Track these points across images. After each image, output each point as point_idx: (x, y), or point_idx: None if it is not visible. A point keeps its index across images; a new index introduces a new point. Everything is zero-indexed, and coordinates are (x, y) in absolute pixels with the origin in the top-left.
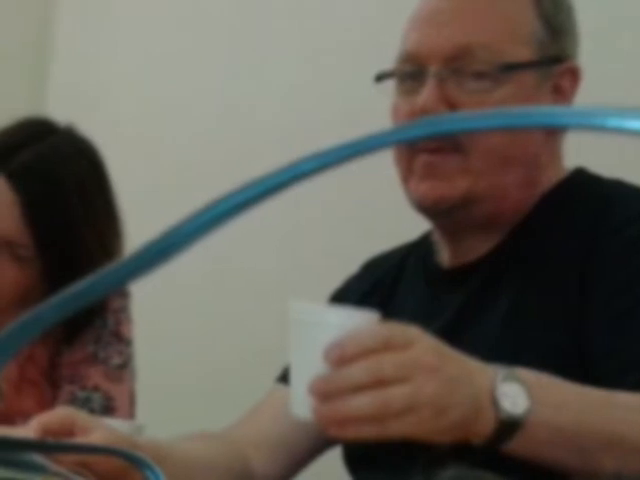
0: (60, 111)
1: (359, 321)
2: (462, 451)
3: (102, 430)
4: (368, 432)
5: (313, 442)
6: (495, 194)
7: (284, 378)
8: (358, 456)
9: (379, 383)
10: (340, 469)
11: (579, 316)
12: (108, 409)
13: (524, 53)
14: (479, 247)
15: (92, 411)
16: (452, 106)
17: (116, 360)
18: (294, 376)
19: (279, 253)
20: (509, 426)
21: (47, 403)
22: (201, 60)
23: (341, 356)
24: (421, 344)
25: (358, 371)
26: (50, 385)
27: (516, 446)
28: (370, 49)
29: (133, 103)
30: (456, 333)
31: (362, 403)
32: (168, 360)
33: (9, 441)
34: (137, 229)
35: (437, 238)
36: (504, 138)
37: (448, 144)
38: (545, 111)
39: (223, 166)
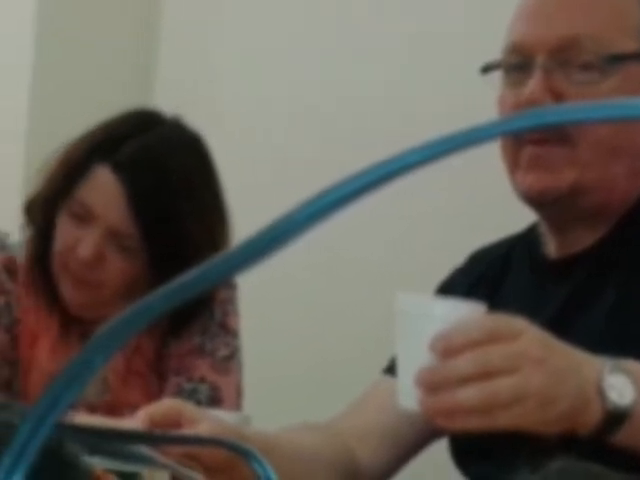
0: (167, 106)
1: (466, 313)
2: (568, 442)
3: (209, 422)
4: (475, 423)
5: (419, 434)
6: (602, 185)
7: (391, 369)
8: (465, 448)
9: (486, 375)
10: (447, 461)
11: None
12: (215, 400)
13: (631, 45)
14: (585, 239)
15: (199, 403)
16: (558, 97)
17: (223, 352)
18: (401, 367)
19: (387, 244)
20: (616, 417)
21: (154, 395)
22: (306, 54)
23: (448, 347)
24: (528, 335)
25: (465, 363)
26: (157, 377)
27: (622, 437)
28: (476, 40)
29: (239, 97)
30: (562, 325)
31: (469, 394)
32: (275, 351)
33: (116, 433)
34: (243, 221)
35: (544, 230)
36: (611, 129)
37: (554, 135)
38: None
39: (329, 159)
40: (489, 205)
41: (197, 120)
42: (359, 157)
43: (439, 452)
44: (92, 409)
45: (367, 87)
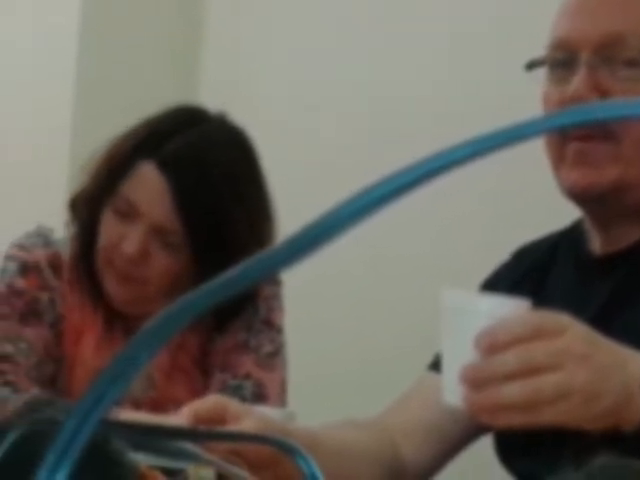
0: (211, 102)
1: (510, 309)
2: (613, 439)
3: (253, 418)
4: (519, 420)
5: (464, 430)
6: None
7: (435, 365)
8: (509, 444)
9: (530, 371)
10: (491, 458)
11: None
12: (259, 397)
13: None
14: (630, 235)
15: (243, 399)
16: (603, 94)
17: (267, 348)
18: (445, 364)
19: (433, 241)
20: None
21: (198, 391)
22: (352, 50)
23: (492, 344)
24: (572, 332)
25: (509, 359)
26: (201, 373)
27: None
28: (521, 36)
29: (283, 93)
30: (606, 321)
31: (513, 391)
32: (320, 348)
33: (161, 429)
34: (288, 217)
35: (588, 226)
36: None
37: (599, 132)
38: None
39: (374, 154)
40: (534, 201)
41: (241, 117)
42: (404, 154)
43: (483, 449)
44: (137, 405)
45: (413, 83)
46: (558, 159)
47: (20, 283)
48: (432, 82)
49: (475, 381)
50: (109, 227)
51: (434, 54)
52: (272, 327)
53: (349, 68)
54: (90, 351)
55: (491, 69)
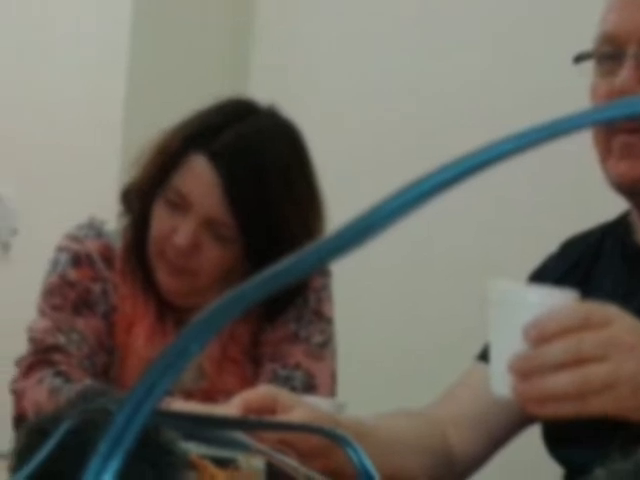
0: (262, 95)
1: (558, 300)
2: None
3: (304, 408)
4: (567, 410)
5: (512, 420)
6: None
7: (484, 356)
8: (557, 434)
9: (578, 361)
10: (539, 448)
11: None
12: (309, 387)
13: None
14: None
15: (293, 389)
16: None
17: (317, 338)
18: (493, 354)
19: (480, 232)
20: None
21: (249, 381)
22: (400, 41)
23: (540, 335)
24: (620, 323)
25: (557, 349)
26: (252, 363)
27: None
28: (568, 29)
29: (332, 85)
30: None
31: (561, 381)
32: (369, 338)
33: (211, 419)
34: (337, 209)
35: (634, 218)
36: None
37: None
38: None
39: (420, 148)
40: (581, 193)
41: (291, 109)
42: (451, 147)
43: (532, 438)
44: (188, 396)
45: (458, 77)
46: (605, 151)
47: (72, 274)
48: (480, 75)
49: (523, 371)
50: (161, 219)
51: (479, 45)
52: (322, 318)
53: (397, 60)
54: (142, 341)
55: (539, 61)
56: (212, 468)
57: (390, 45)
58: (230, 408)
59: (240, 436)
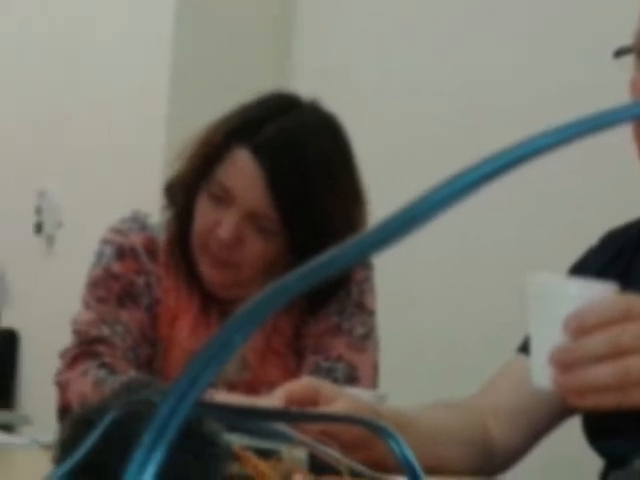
0: (304, 87)
1: (598, 292)
2: None
3: (346, 399)
4: (607, 401)
5: (553, 412)
6: None
7: (524, 348)
8: (597, 425)
9: (618, 353)
10: (579, 439)
11: None
12: (352, 379)
13: None
14: None
15: (336, 381)
16: None
17: (359, 330)
18: (534, 346)
19: (521, 225)
20: None
21: (291, 373)
22: (436, 39)
23: (581, 327)
24: None
25: (598, 341)
26: (294, 355)
27: None
28: (605, 23)
29: (375, 78)
30: None
31: (602, 373)
32: (410, 330)
33: (254, 411)
34: (379, 203)
35: None
36: None
37: None
38: None
39: (461, 141)
40: (622, 186)
41: (334, 103)
42: (493, 140)
43: (572, 430)
44: (231, 387)
45: (498, 70)
46: None
47: (117, 267)
48: (517, 68)
49: (564, 363)
50: (204, 212)
51: (518, 39)
52: (364, 310)
53: (437, 55)
54: (185, 334)
55: (580, 55)
56: (255, 459)
57: (429, 40)
58: (273, 400)
59: (283, 427)
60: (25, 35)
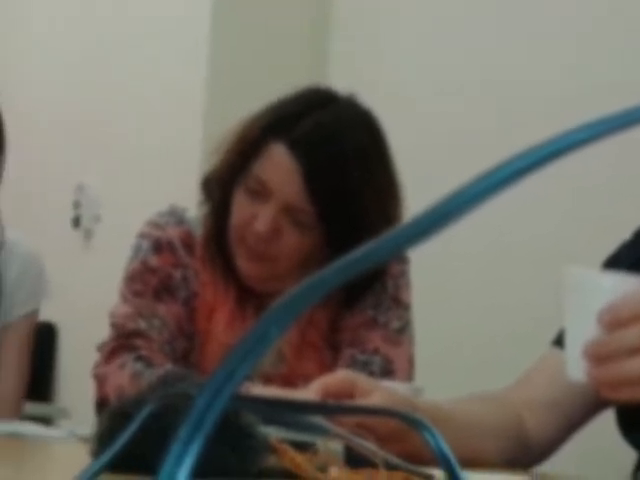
0: (340, 82)
1: (632, 286)
2: None
3: (381, 392)
4: None
5: (587, 405)
6: None
7: (559, 341)
8: (631, 418)
9: None
10: (613, 432)
11: None
12: (387, 372)
13: None
14: None
15: (372, 374)
16: None
17: (395, 324)
18: (569, 339)
19: (554, 220)
20: None
21: (327, 366)
22: (479, 32)
23: (615, 320)
24: None
25: (632, 334)
26: (330, 348)
27: None
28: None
29: (410, 74)
30: None
31: (636, 366)
32: (446, 324)
33: (291, 403)
34: (415, 197)
35: None
36: None
37: None
38: None
39: (499, 136)
40: None
41: (369, 98)
42: (527, 135)
43: (606, 423)
44: (267, 380)
45: (536, 67)
46: None
47: (154, 260)
48: (554, 64)
49: (598, 356)
50: (241, 206)
51: (560, 37)
52: (400, 304)
53: (474, 49)
54: (222, 327)
55: (619, 52)
56: (291, 452)
57: (466, 35)
58: (309, 393)
59: (319, 420)
60: (67, 34)
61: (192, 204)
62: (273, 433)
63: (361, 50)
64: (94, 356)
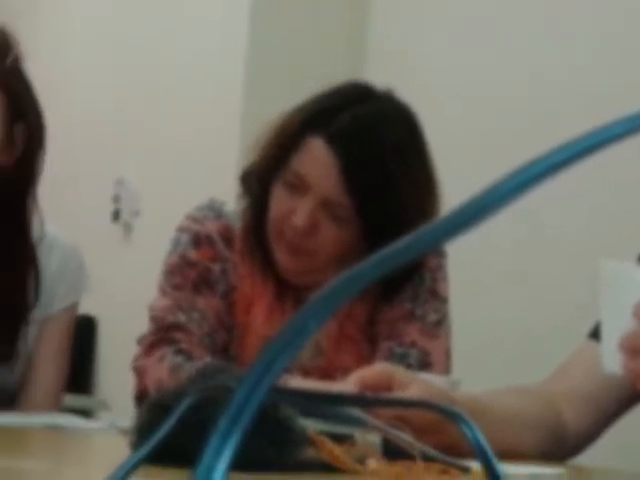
0: (378, 76)
1: None
2: None
3: (419, 385)
4: None
5: (623, 397)
6: None
7: (595, 334)
8: None
9: None
10: None
11: None
12: (425, 365)
13: None
14: None
15: (409, 366)
16: None
17: (432, 317)
18: (604, 332)
19: (590, 213)
20: None
21: (365, 359)
22: (513, 29)
23: None
24: None
25: None
26: (368, 341)
27: None
28: None
29: (448, 69)
30: None
31: None
32: (483, 317)
33: (329, 396)
34: (451, 191)
35: None
36: None
37: None
38: None
39: (534, 129)
40: None
41: (406, 93)
42: (562, 133)
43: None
44: (306, 373)
45: (570, 60)
46: None
47: (193, 254)
48: (588, 57)
49: (634, 349)
50: (279, 200)
51: (595, 33)
52: (437, 297)
53: (511, 43)
54: (261, 320)
55: None
56: (329, 444)
57: (504, 28)
58: (347, 385)
59: (357, 412)
60: (106, 34)
61: (230, 198)
62: (311, 425)
63: (398, 46)
64: (133, 349)
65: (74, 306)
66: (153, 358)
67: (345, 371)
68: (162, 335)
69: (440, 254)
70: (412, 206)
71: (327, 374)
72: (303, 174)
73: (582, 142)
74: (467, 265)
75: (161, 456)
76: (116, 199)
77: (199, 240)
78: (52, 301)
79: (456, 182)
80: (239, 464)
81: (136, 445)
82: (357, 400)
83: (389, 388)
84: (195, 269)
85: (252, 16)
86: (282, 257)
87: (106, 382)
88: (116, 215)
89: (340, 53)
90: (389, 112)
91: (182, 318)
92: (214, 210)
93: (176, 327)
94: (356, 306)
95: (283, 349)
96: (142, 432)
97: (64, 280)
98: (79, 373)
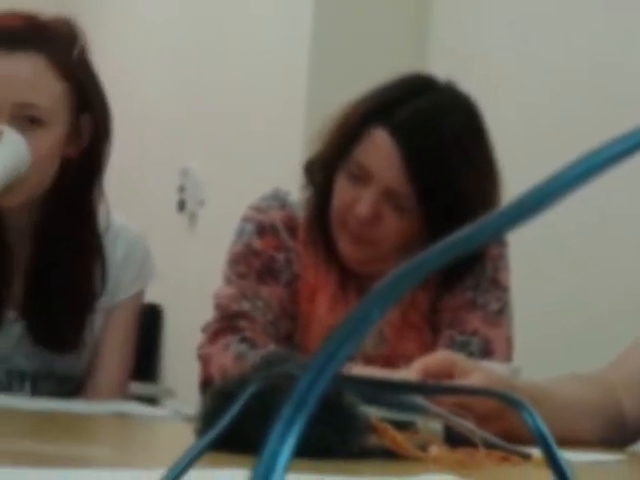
0: (440, 68)
1: None
2: None
3: (480, 372)
4: None
5: None
6: None
7: None
8: None
9: None
10: None
11: None
12: (486, 352)
13: None
14: None
15: (471, 354)
16: None
17: (494, 306)
18: None
19: None
20: None
21: (428, 347)
22: (571, 17)
23: None
24: None
25: None
26: (430, 329)
27: None
28: None
29: (509, 61)
30: None
31: None
32: (544, 305)
33: (391, 383)
34: (513, 180)
35: None
36: None
37: None
38: None
39: (595, 119)
40: None
41: (469, 84)
42: (628, 119)
43: None
44: (369, 361)
45: (630, 51)
46: None
47: (257, 243)
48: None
49: None
50: (343, 190)
51: None
52: (498, 286)
53: (575, 33)
54: (324, 309)
55: None
56: (392, 431)
57: (564, 20)
58: (410, 373)
59: (419, 400)
60: (175, 30)
61: (294, 188)
62: (374, 413)
63: (460, 38)
64: (199, 337)
65: (140, 294)
66: (218, 346)
67: (408, 359)
68: (227, 323)
69: (501, 243)
70: (474, 195)
71: (390, 362)
72: (366, 165)
73: None
74: (531, 253)
75: (226, 443)
76: (181, 189)
77: (263, 229)
78: (118, 290)
79: (517, 172)
80: (303, 451)
81: (201, 432)
82: (419, 388)
83: (451, 376)
84: (259, 258)
85: (316, 9)
86: (345, 246)
87: (171, 370)
88: (181, 205)
89: (403, 45)
90: (450, 103)
91: (246, 306)
92: (278, 200)
93: (240, 315)
94: (418, 295)
95: (346, 337)
96: (207, 419)
97: (130, 269)
98: (145, 361)
